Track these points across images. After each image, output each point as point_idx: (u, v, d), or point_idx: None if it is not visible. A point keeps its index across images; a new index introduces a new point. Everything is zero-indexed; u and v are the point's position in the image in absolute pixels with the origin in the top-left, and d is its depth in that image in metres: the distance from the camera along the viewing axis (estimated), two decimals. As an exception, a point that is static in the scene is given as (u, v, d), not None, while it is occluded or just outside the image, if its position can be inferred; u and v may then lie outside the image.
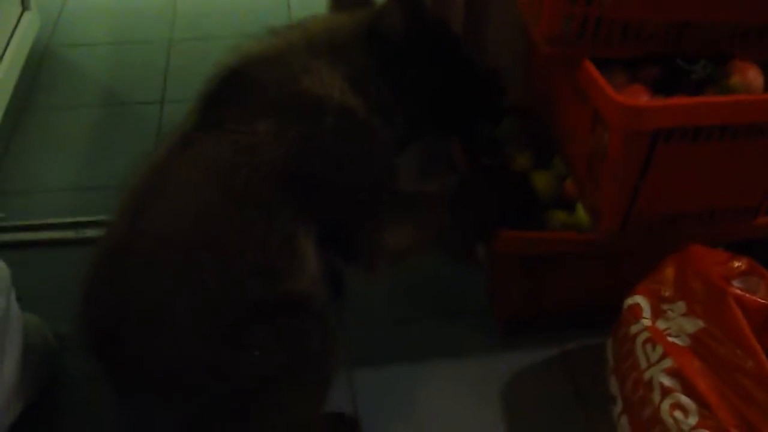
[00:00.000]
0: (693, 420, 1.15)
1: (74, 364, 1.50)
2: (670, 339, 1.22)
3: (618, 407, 1.30)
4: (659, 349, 1.22)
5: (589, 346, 1.55)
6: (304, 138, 1.15)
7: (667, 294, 1.28)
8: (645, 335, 1.25)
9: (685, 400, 1.16)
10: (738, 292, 1.20)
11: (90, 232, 1.81)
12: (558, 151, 1.53)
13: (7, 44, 2.23)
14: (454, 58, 1.33)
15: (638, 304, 1.30)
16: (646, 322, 1.26)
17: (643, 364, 1.23)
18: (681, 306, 1.26)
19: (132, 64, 2.57)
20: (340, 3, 1.38)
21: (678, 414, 1.16)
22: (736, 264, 1.27)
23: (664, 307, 1.27)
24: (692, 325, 1.22)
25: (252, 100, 1.17)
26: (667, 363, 1.20)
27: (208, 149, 1.14)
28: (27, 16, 2.40)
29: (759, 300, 1.20)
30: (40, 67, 2.47)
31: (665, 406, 1.17)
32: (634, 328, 1.28)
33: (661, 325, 1.25)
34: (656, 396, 1.19)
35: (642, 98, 1.23)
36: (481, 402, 1.47)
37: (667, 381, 1.19)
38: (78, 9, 2.81)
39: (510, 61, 1.56)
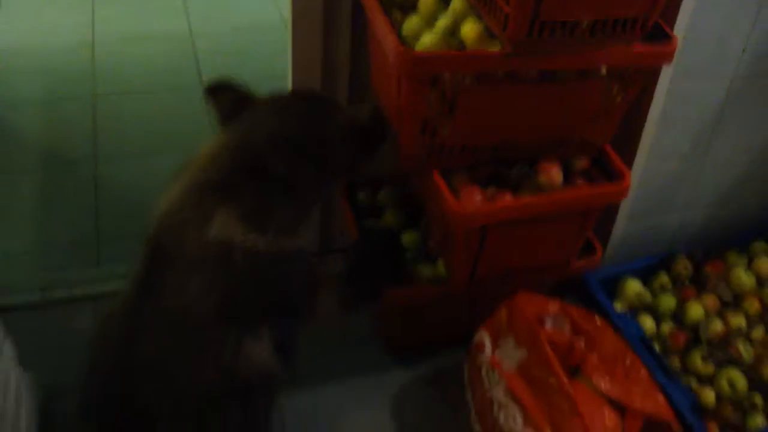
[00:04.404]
0: (520, 424, 1.65)
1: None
2: (504, 366, 1.72)
3: (472, 413, 1.80)
4: (496, 374, 1.71)
5: (455, 363, 2.01)
6: (227, 284, 1.42)
7: (502, 331, 1.77)
8: (487, 364, 1.74)
9: (514, 410, 1.66)
10: (548, 332, 1.71)
11: (57, 293, 2.14)
12: (424, 216, 2.02)
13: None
14: (343, 143, 1.56)
15: (482, 339, 1.80)
16: (488, 354, 1.76)
17: (486, 385, 1.73)
18: (511, 340, 1.75)
19: (61, 122, 2.84)
20: (223, 106, 1.57)
21: (510, 420, 1.66)
22: (549, 307, 1.78)
23: (500, 341, 1.77)
24: (518, 355, 1.71)
25: (178, 267, 1.44)
26: (502, 384, 1.69)
27: (162, 310, 1.45)
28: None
29: (563, 336, 1.71)
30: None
31: (501, 415, 1.67)
32: (480, 358, 1.77)
33: (498, 354, 1.75)
34: (495, 408, 1.69)
35: (476, 197, 1.70)
36: (377, 410, 1.95)
37: (502, 397, 1.68)
38: (2, 69, 3.05)
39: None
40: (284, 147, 1.49)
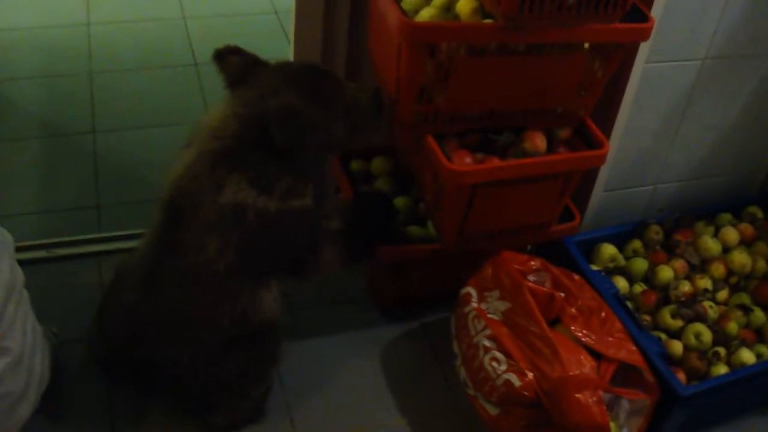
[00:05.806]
0: (503, 367, 1.77)
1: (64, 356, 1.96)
2: (489, 315, 1.85)
3: (459, 361, 1.93)
4: (482, 322, 1.83)
5: (440, 319, 2.18)
6: (242, 241, 1.58)
7: (487, 285, 1.91)
8: (473, 313, 1.87)
9: (498, 354, 1.78)
10: (530, 284, 1.84)
11: (61, 251, 2.24)
12: (414, 183, 2.15)
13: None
14: (343, 121, 1.68)
15: (469, 292, 1.92)
16: (474, 305, 1.89)
17: (473, 332, 1.86)
18: (496, 293, 1.88)
19: (60, 97, 2.92)
20: (230, 70, 1.67)
21: (494, 363, 1.79)
22: (532, 263, 1.91)
23: (486, 294, 1.90)
24: (503, 306, 1.85)
25: (195, 229, 1.59)
26: (487, 331, 1.82)
27: (181, 267, 1.62)
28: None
29: (544, 289, 1.85)
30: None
31: (486, 359, 1.79)
32: (466, 309, 1.90)
33: (483, 306, 1.87)
34: (481, 353, 1.82)
35: (466, 160, 1.84)
36: (368, 361, 2.09)
37: (487, 343, 1.81)
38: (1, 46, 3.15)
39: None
40: (290, 125, 1.59)
